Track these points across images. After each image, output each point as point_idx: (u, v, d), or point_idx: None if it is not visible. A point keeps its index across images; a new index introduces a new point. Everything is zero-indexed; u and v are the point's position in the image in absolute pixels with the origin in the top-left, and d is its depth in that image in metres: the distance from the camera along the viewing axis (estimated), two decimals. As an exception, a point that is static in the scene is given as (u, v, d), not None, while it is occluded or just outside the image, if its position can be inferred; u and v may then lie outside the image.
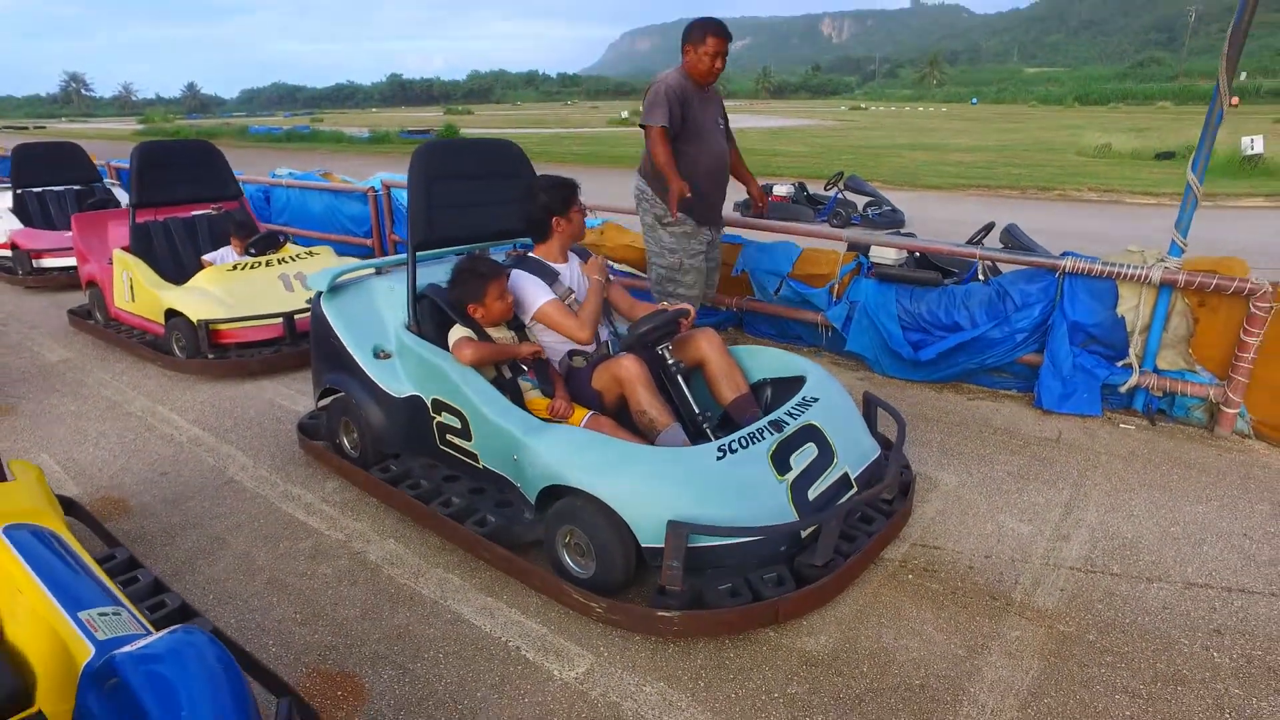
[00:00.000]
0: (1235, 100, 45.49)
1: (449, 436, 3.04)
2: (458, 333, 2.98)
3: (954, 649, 2.38)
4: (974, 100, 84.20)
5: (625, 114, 47.38)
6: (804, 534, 2.52)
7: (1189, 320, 3.91)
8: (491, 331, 3.05)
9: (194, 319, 4.71)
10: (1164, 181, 14.87)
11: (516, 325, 3.14)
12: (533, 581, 2.65)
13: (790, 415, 2.72)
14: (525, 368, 3.03)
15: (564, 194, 3.16)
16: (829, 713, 2.14)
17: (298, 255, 5.38)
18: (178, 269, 5.40)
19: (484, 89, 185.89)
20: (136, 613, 1.91)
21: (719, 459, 2.47)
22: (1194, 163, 3.77)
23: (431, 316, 3.16)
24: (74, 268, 6.50)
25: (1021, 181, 15.14)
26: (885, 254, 4.66)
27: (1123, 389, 4.01)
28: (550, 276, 3.16)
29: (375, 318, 3.33)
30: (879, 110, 63.53)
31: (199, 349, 4.73)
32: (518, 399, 2.94)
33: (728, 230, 5.57)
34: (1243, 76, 73.85)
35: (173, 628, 1.60)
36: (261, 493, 3.39)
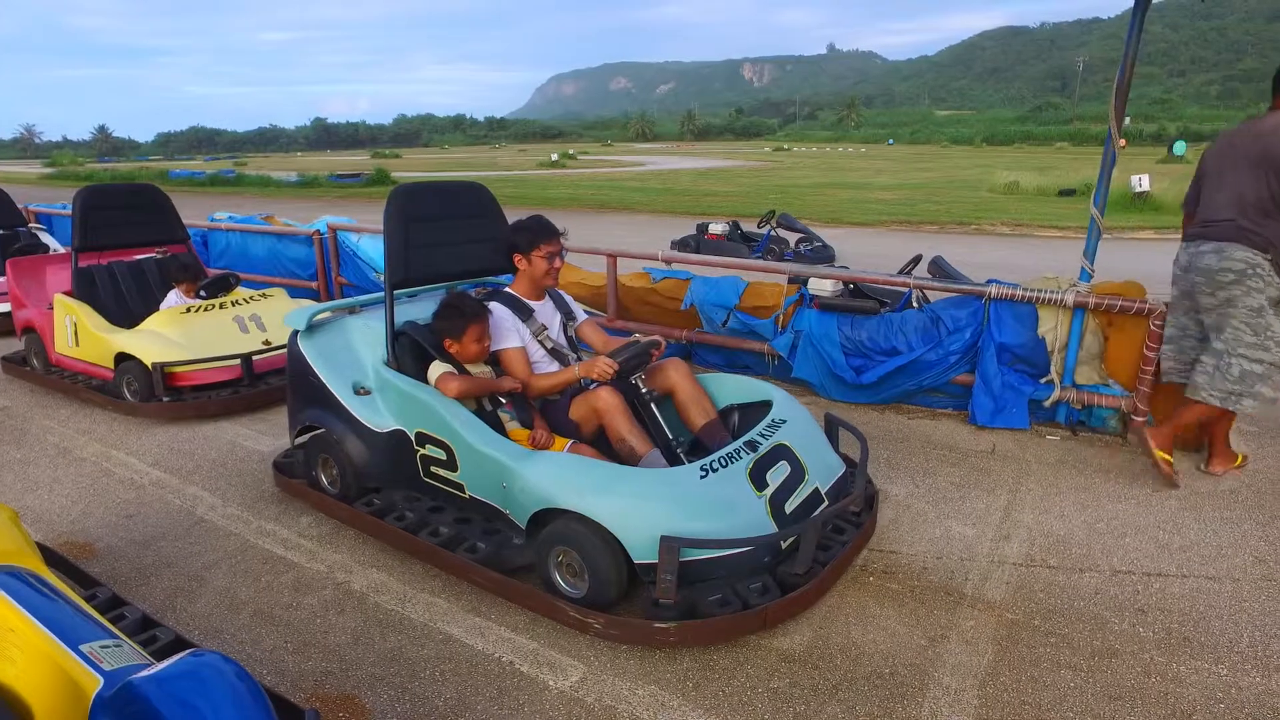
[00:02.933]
0: (1124, 143, 49.01)
1: (434, 468, 3.12)
2: (439, 368, 3.09)
3: (916, 640, 2.60)
4: (891, 141, 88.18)
5: (555, 156, 47.96)
6: (784, 545, 2.67)
7: (1100, 339, 4.31)
8: (470, 367, 3.17)
9: (148, 362, 4.67)
10: (1068, 216, 15.93)
11: (493, 359, 3.26)
12: (527, 603, 2.75)
13: (762, 436, 2.88)
14: (503, 400, 3.15)
15: (530, 234, 3.29)
16: (809, 702, 2.32)
17: (251, 297, 5.39)
18: (124, 313, 5.34)
19: (411, 133, 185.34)
20: (135, 646, 1.94)
21: (702, 478, 2.61)
22: (1095, 198, 4.20)
23: (410, 353, 3.26)
24: (8, 314, 6.32)
25: (940, 217, 16.01)
26: (823, 285, 4.97)
27: (1047, 403, 4.37)
28: (524, 313, 3.31)
29: (353, 355, 3.42)
30: (801, 151, 65.90)
31: (153, 392, 4.69)
32: (500, 431, 3.04)
33: (676, 266, 5.84)
34: (1127, 122, 79.41)
35: (184, 652, 1.63)
36: (235, 530, 3.40)
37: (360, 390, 3.34)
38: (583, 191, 24.09)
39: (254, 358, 4.85)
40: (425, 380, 3.14)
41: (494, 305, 3.27)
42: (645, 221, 16.47)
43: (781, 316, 5.08)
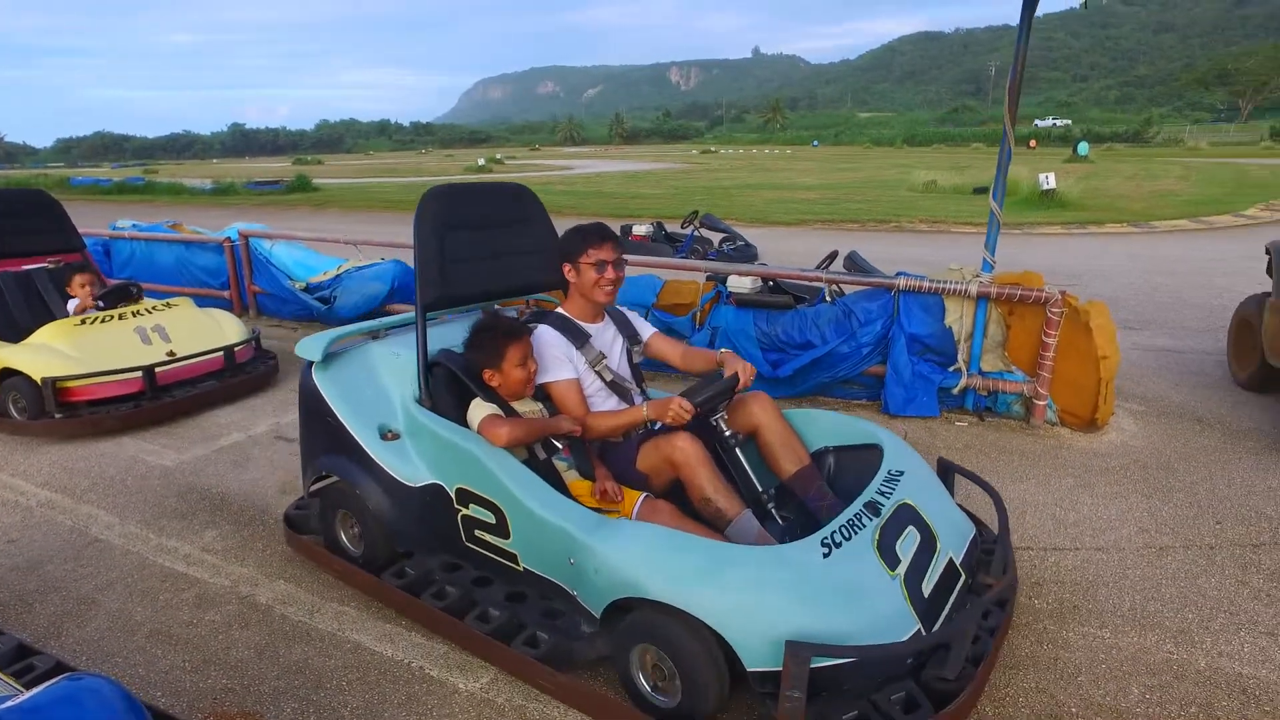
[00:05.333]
0: (1034, 143, 50.99)
1: (479, 533, 2.58)
2: (482, 409, 2.55)
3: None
4: (815, 142, 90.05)
5: (482, 161, 47.44)
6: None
7: (1003, 327, 4.49)
8: (517, 405, 2.63)
9: (37, 377, 4.43)
10: (982, 212, 16.51)
11: (543, 394, 2.74)
12: (605, 714, 2.23)
13: (882, 494, 2.33)
14: (559, 445, 2.60)
15: (578, 237, 2.76)
16: None
17: (154, 307, 5.16)
18: (10, 327, 5.04)
19: (334, 138, 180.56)
20: (4, 678, 1.82)
21: (826, 556, 2.06)
22: (994, 193, 4.37)
23: (448, 389, 2.71)
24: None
25: (861, 215, 16.41)
26: (742, 283, 5.05)
27: (955, 391, 4.52)
28: (578, 337, 2.75)
29: (378, 390, 2.86)
30: (728, 153, 66.77)
31: (43, 409, 4.45)
32: (558, 484, 2.52)
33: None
34: (1035, 124, 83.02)
35: (59, 677, 1.50)
36: (133, 549, 3.25)
37: (387, 434, 2.76)
38: (510, 195, 23.84)
39: (156, 370, 4.64)
40: (466, 423, 2.61)
41: (540, 329, 2.74)
42: (573, 224, 16.41)
43: (699, 313, 5.13)
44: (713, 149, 79.27)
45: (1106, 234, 14.07)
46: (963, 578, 2.34)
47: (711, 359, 2.81)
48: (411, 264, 7.01)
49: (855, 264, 5.75)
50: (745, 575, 2.01)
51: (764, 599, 1.97)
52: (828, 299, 4.90)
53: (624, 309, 3.04)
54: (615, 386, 2.79)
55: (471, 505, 2.54)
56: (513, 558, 2.50)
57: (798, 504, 2.61)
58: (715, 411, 2.63)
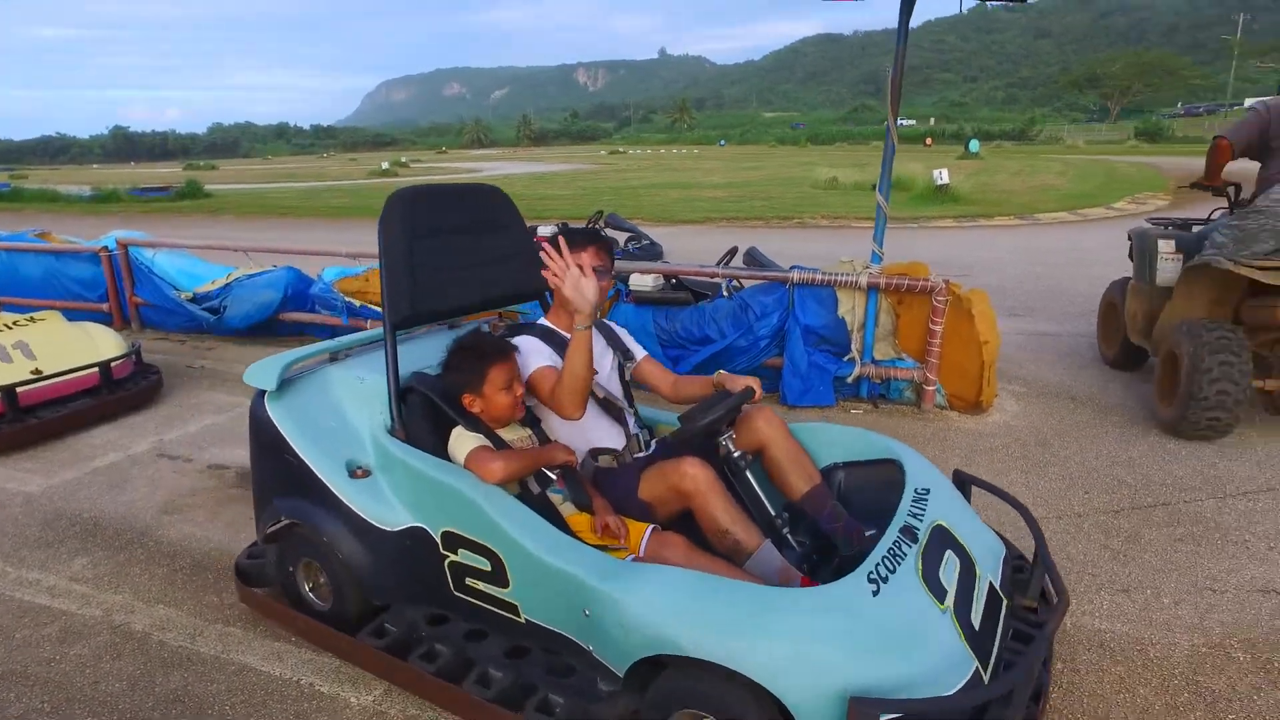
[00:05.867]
0: (929, 141, 52.97)
1: (471, 581, 2.27)
2: (468, 440, 2.26)
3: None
4: (722, 142, 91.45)
5: (386, 165, 46.24)
6: (986, 672, 1.89)
7: (893, 317, 4.65)
8: (504, 433, 2.36)
9: (-120, 403, 4.06)
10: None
11: (532, 419, 2.49)
12: None
13: (914, 517, 2.10)
14: (552, 475, 2.33)
15: (573, 245, 2.44)
16: None
17: (15, 322, 4.81)
18: None
19: (229, 142, 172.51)
20: None
21: (875, 594, 1.82)
22: (880, 187, 4.53)
23: (424, 416, 2.41)
24: None
25: (766, 213, 16.77)
26: (644, 281, 5.08)
27: (850, 379, 4.67)
28: (561, 345, 2.45)
29: (342, 421, 2.52)
30: (637, 153, 67.16)
31: (-114, 436, 4.08)
32: (557, 521, 2.25)
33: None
34: (931, 122, 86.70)
35: None
36: (-11, 583, 3.01)
37: (357, 471, 2.44)
38: (415, 199, 23.31)
39: (18, 389, 4.32)
40: (446, 455, 2.33)
41: (521, 340, 2.47)
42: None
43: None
44: (621, 149, 79.59)
45: (995, 226, 14.82)
46: (1005, 603, 2.16)
47: (707, 384, 2.61)
48: (308, 271, 6.77)
49: (754, 259, 5.86)
50: (795, 623, 1.76)
51: (819, 649, 1.73)
52: (725, 294, 4.98)
53: (612, 324, 2.83)
54: (607, 405, 2.53)
55: (461, 551, 2.24)
56: (513, 609, 2.19)
57: (807, 525, 2.41)
58: (722, 431, 2.41)
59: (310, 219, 18.63)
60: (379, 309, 6.07)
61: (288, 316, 6.50)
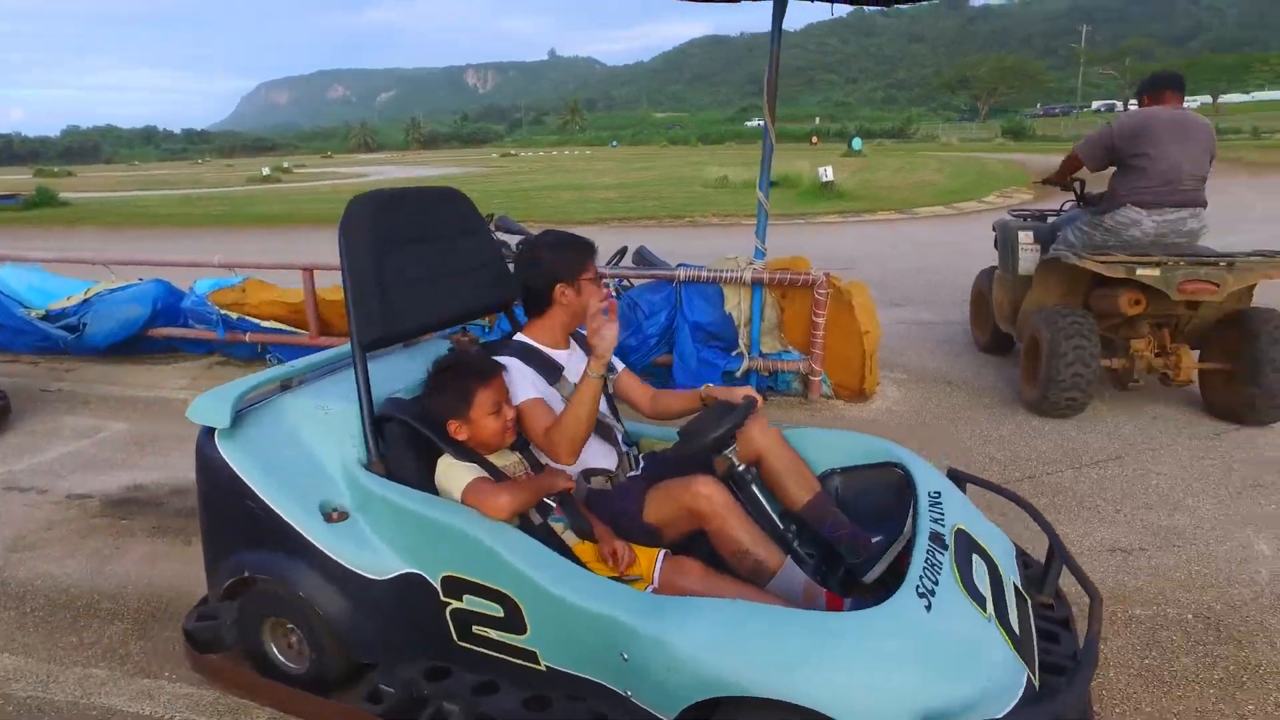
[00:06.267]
0: (815, 139, 54.83)
1: (479, 630, 2.04)
2: (462, 472, 2.06)
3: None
4: (614, 143, 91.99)
5: (267, 170, 44.15)
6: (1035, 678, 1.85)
7: (778, 311, 4.79)
8: (494, 459, 2.18)
9: None
10: (770, 204, 17.61)
11: (520, 442, 2.30)
12: None
13: (937, 523, 2.04)
14: (551, 502, 2.17)
15: (575, 255, 2.35)
16: None
17: None
18: None
19: (88, 147, 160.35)
20: None
21: (927, 609, 1.73)
22: (760, 185, 4.66)
23: (408, 446, 2.16)
24: None
25: (658, 212, 16.96)
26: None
27: (739, 374, 4.77)
28: (553, 372, 2.32)
29: (307, 458, 2.25)
30: (529, 155, 66.67)
31: None
32: (562, 551, 2.07)
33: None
34: (816, 121, 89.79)
35: None
36: None
37: (332, 515, 2.16)
38: (302, 207, 22.36)
39: None
40: (432, 488, 2.12)
41: (506, 363, 2.26)
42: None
43: (487, 322, 5.05)
44: (513, 152, 78.87)
45: (878, 220, 15.51)
46: (1030, 602, 2.12)
47: (689, 398, 2.50)
48: (179, 285, 6.37)
49: (644, 258, 5.91)
50: (859, 648, 1.67)
51: (889, 675, 1.64)
52: (614, 294, 4.99)
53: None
54: (599, 426, 2.33)
55: (467, 597, 2.02)
56: (530, 656, 1.98)
57: (808, 535, 2.32)
58: (728, 445, 2.29)
59: (186, 229, 17.58)
60: (257, 321, 5.84)
61: (158, 333, 6.10)
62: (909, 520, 2.15)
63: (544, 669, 1.96)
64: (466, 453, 2.11)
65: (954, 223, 14.68)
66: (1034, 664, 1.87)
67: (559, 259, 2.34)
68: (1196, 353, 4.40)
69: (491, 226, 11.53)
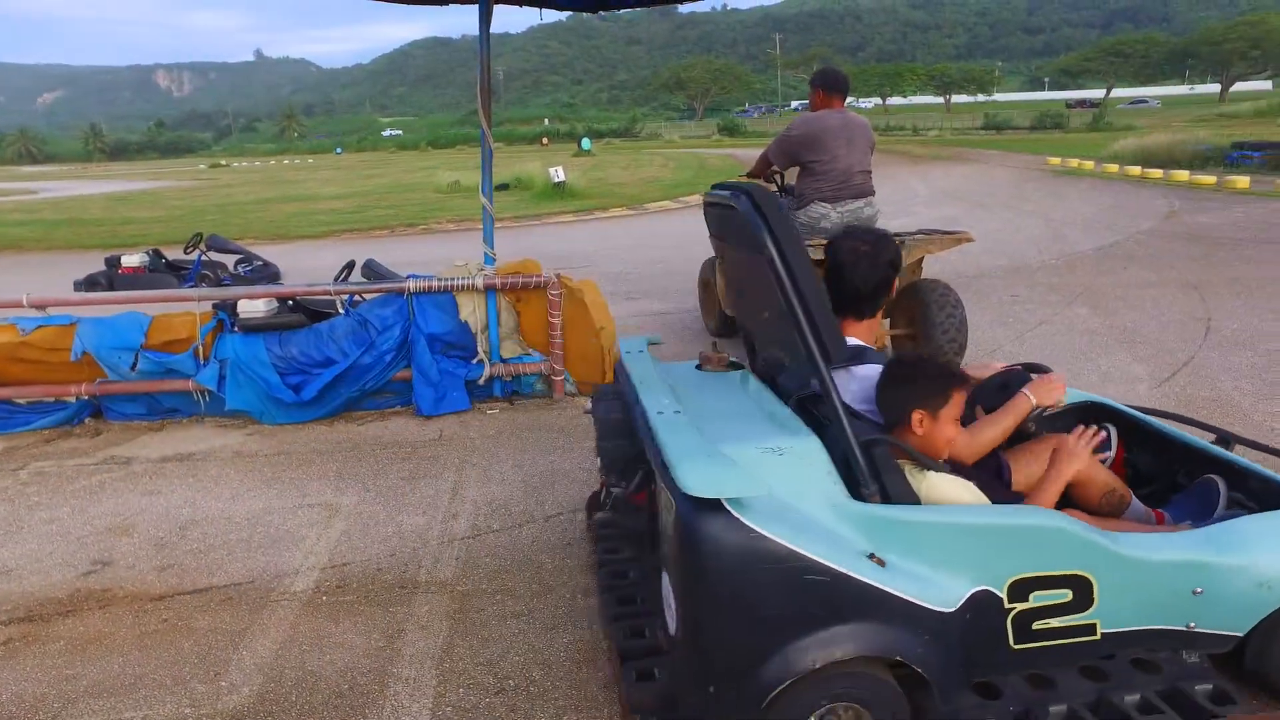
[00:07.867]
0: (546, 140, 55.81)
1: (1039, 624, 2.00)
2: (950, 484, 2.06)
3: (373, 643, 2.58)
4: (339, 150, 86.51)
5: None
6: None
7: (514, 314, 4.82)
8: None
9: None
10: (504, 207, 17.57)
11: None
12: None
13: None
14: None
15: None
16: (256, 758, 2.12)
17: None
18: None
19: None
20: None
21: None
22: (482, 190, 4.66)
23: (887, 466, 2.02)
24: None
25: (390, 221, 16.27)
26: (254, 306, 4.62)
27: (481, 381, 4.74)
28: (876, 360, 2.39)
29: (796, 498, 1.91)
30: (243, 166, 60.92)
31: None
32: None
33: (62, 311, 4.83)
34: (545, 122, 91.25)
35: None
36: None
37: (874, 558, 1.88)
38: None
39: None
40: (914, 499, 2.01)
41: (867, 369, 2.29)
42: (38, 262, 13.40)
43: (201, 347, 4.56)
44: (224, 162, 71.44)
45: (610, 218, 16.10)
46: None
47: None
48: None
49: (373, 271, 5.67)
50: None
51: None
52: (340, 310, 4.74)
53: None
54: None
55: (1034, 594, 1.98)
56: (1088, 629, 2.03)
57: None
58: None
59: None
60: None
61: None
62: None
63: (1099, 637, 2.04)
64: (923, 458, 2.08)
65: (680, 216, 15.63)
66: None
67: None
68: (887, 320, 5.10)
69: (202, 247, 10.48)
